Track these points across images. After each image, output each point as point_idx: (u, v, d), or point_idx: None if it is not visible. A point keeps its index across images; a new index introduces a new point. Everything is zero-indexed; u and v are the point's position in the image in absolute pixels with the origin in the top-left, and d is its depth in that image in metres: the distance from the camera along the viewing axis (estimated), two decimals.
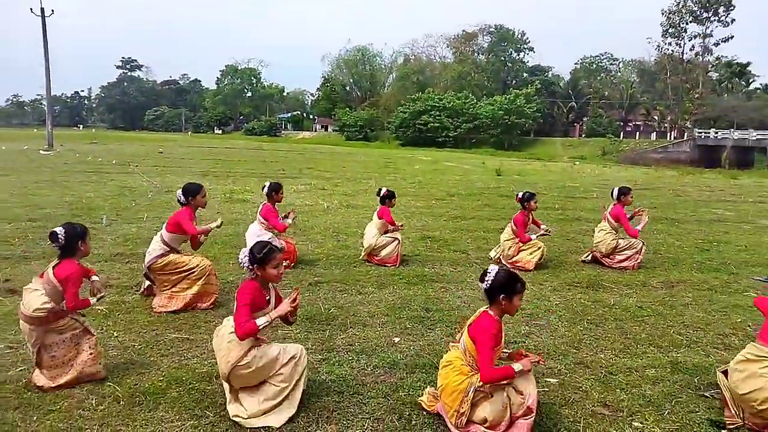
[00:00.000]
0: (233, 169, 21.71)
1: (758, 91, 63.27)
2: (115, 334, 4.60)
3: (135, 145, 37.88)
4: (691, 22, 59.42)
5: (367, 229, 7.53)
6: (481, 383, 3.15)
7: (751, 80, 63.74)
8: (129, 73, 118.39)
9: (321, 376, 3.97)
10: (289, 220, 6.91)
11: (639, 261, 7.43)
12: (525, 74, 78.46)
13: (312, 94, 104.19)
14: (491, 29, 79.85)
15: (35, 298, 3.55)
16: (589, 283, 6.63)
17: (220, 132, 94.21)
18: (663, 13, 60.80)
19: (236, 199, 13.15)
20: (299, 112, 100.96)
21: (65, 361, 3.66)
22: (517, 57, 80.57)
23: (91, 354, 3.73)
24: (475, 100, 65.73)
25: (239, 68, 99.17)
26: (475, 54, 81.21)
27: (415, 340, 4.72)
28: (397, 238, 7.32)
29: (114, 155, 26.67)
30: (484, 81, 76.22)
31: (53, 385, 3.61)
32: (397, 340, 4.69)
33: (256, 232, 6.72)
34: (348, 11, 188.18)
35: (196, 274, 5.34)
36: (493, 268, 3.24)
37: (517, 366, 3.17)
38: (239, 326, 3.23)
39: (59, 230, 3.64)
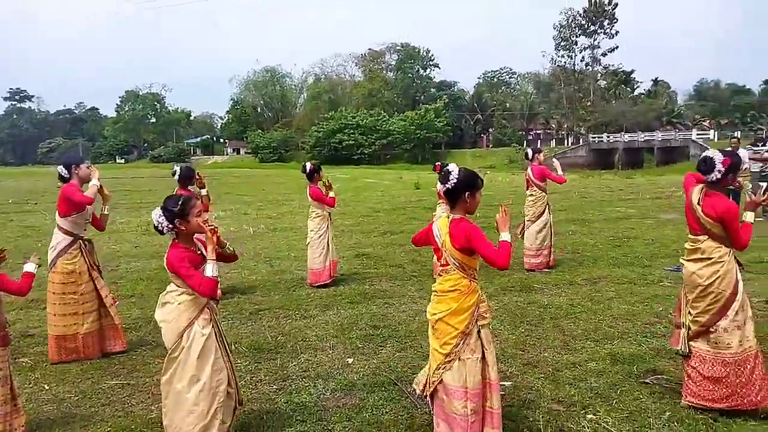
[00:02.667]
0: (145, 200, 20.54)
1: (642, 96, 69.17)
2: (47, 387, 4.25)
3: (30, 181, 35.03)
4: (580, 35, 64.16)
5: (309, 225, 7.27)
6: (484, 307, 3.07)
7: (635, 86, 69.61)
8: (18, 105, 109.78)
9: (280, 407, 3.87)
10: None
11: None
12: (433, 90, 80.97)
13: (221, 118, 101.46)
14: (398, 47, 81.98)
15: None
16: (522, 286, 6.95)
17: (123, 161, 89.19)
18: (555, 28, 65.35)
19: (154, 231, 12.50)
20: (209, 137, 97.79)
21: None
22: (424, 74, 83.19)
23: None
24: (387, 117, 67.03)
25: (140, 94, 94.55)
26: (384, 72, 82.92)
27: (369, 358, 4.72)
28: (322, 236, 7.10)
29: (9, 193, 24.50)
30: (394, 98, 77.88)
31: None
32: (350, 360, 4.68)
33: None
34: (254, 32, 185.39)
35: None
36: (453, 167, 3.07)
37: (505, 235, 3.07)
38: (200, 287, 3.01)
39: None
